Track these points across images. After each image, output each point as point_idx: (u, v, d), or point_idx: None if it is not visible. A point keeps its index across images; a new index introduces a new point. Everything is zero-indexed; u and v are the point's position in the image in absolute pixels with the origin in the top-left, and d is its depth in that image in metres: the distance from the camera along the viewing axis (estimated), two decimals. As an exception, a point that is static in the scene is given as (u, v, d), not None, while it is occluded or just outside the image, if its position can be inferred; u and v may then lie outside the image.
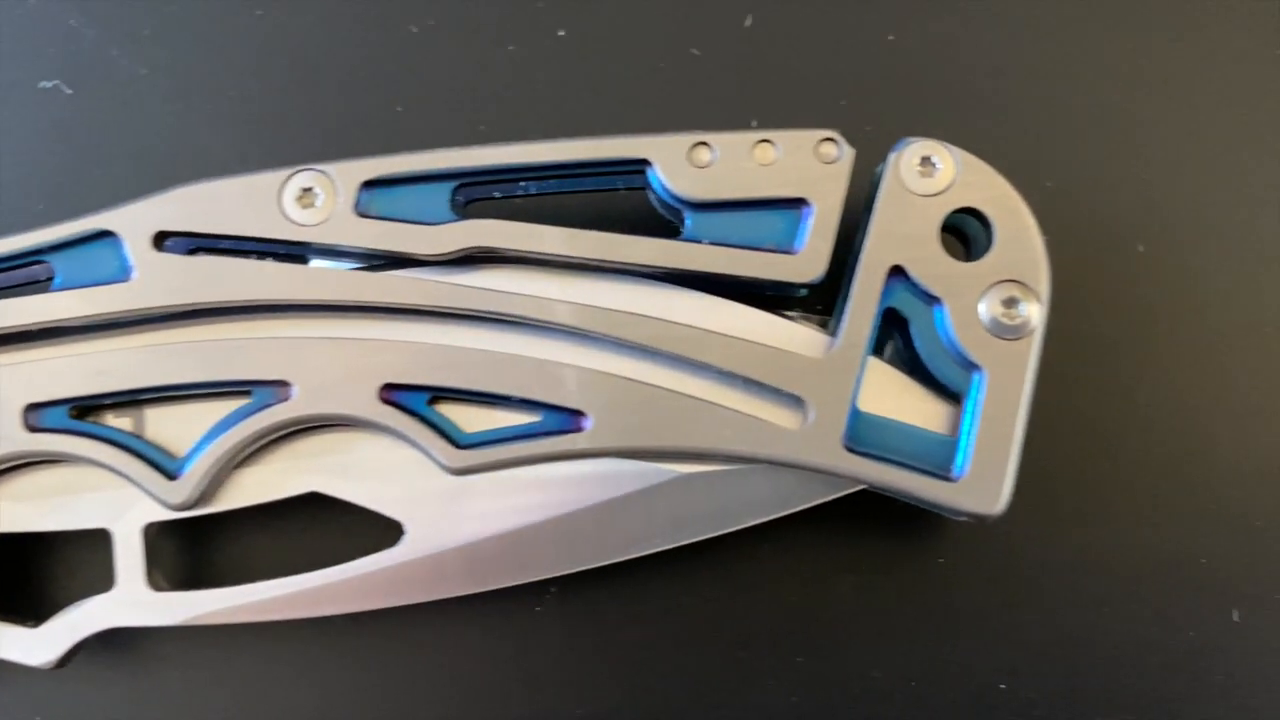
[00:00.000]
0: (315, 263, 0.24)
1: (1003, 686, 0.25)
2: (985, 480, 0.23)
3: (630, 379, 0.23)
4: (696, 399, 0.23)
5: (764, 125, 0.24)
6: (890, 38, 0.28)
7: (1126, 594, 0.26)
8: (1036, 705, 0.25)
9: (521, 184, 0.24)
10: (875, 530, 0.26)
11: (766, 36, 0.28)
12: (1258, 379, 0.26)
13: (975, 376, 0.23)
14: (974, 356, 0.23)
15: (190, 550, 0.26)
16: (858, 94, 0.27)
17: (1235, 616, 0.26)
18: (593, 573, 0.24)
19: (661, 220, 0.24)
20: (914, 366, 0.24)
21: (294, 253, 0.23)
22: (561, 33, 0.28)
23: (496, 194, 0.24)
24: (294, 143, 0.27)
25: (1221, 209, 0.27)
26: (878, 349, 0.24)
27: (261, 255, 0.23)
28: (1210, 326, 0.27)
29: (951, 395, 0.23)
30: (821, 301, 0.25)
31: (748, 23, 0.28)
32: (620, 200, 0.24)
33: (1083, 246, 0.27)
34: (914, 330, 0.23)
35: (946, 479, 0.23)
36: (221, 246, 0.23)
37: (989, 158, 0.27)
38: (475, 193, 0.24)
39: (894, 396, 0.24)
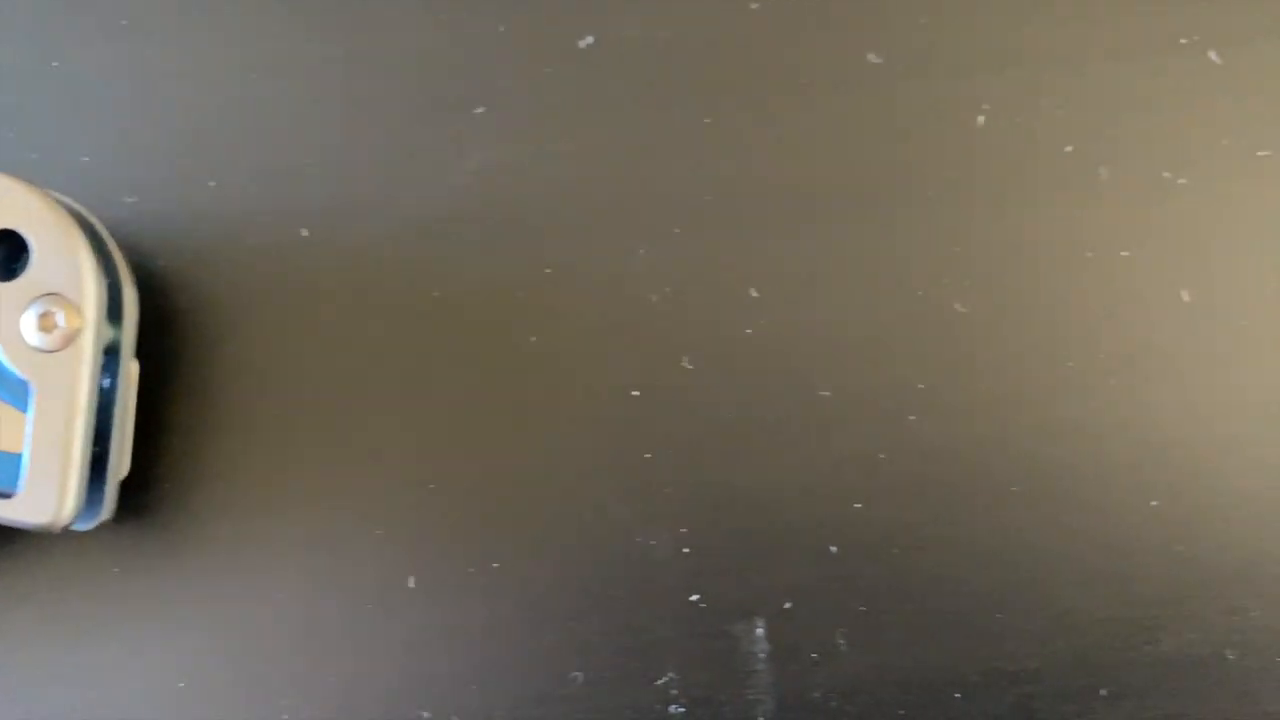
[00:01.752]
0: None
1: (182, 684, 0.26)
2: (43, 493, 0.23)
3: None
4: None
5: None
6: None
7: (298, 574, 0.26)
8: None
9: None
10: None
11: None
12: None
13: (29, 393, 0.23)
14: (22, 374, 0.23)
15: None
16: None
17: (410, 583, 0.26)
18: None
19: None
20: (2, 389, 0.24)
21: None
22: None
23: None
24: None
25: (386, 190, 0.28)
26: None
27: None
28: (370, 302, 0.27)
29: (32, 413, 0.24)
30: None
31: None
32: None
33: (252, 236, 0.27)
34: (-28, 357, 0.24)
35: (9, 496, 0.23)
36: None
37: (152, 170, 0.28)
38: None
39: (-9, 421, 0.24)
